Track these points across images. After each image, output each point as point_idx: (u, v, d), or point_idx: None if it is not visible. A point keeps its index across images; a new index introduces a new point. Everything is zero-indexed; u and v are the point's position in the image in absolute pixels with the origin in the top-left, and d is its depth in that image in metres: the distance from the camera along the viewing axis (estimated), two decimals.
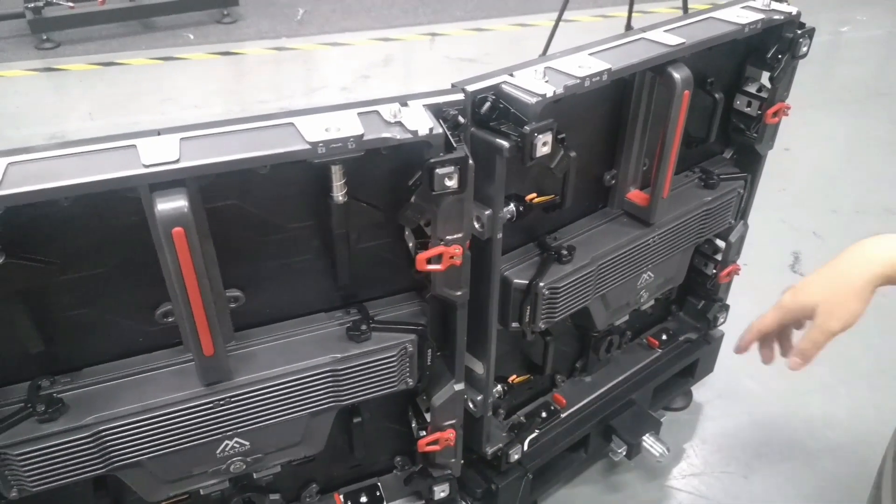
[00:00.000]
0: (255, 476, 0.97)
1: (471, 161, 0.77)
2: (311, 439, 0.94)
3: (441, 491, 1.10)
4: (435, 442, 1.02)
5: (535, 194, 0.94)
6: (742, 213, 1.27)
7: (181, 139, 0.71)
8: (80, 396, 0.80)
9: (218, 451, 0.88)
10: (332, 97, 2.90)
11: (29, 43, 3.39)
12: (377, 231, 0.87)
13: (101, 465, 0.81)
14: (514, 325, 1.03)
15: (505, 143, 0.81)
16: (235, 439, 0.88)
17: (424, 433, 1.03)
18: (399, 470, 1.16)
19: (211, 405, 0.83)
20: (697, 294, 1.37)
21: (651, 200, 1.05)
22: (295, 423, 0.90)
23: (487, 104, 0.82)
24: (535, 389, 1.28)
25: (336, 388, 0.90)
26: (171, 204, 0.68)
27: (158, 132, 0.72)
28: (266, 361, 0.86)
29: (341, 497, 1.12)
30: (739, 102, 1.18)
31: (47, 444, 0.77)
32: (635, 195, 1.09)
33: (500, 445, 1.15)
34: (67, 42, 3.43)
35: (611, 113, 1.04)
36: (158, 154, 0.68)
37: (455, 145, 0.77)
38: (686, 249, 1.19)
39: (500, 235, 0.90)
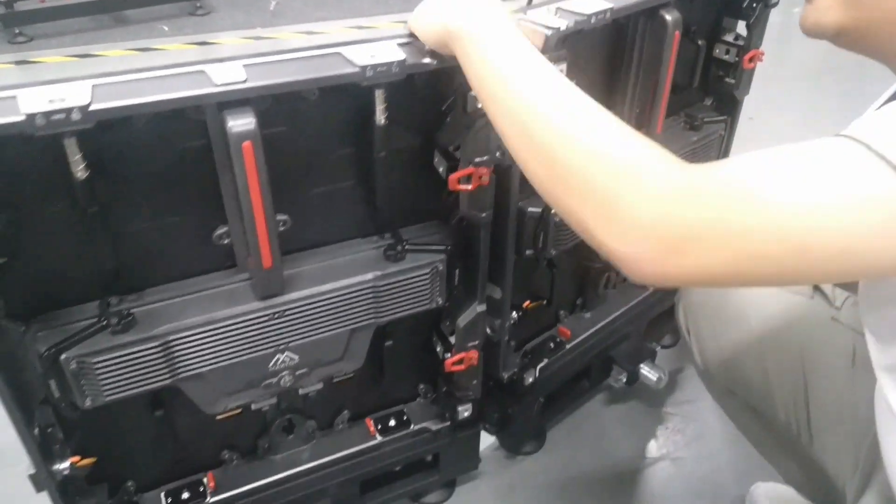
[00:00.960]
0: (299, 392, 1.04)
1: None
2: (352, 356, 1.02)
3: (465, 411, 1.19)
4: (460, 362, 1.11)
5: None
6: (724, 154, 1.39)
7: (244, 65, 0.78)
8: (147, 312, 0.87)
9: (270, 365, 0.96)
10: None
11: (1, 38, 3.38)
12: (411, 158, 0.96)
13: (167, 376, 0.89)
14: (528, 252, 1.13)
15: None
16: (286, 353, 0.96)
17: (449, 355, 1.12)
18: (422, 397, 1.25)
19: (266, 318, 0.91)
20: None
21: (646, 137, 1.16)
22: (338, 338, 0.99)
23: None
24: (541, 325, 1.37)
25: (376, 305, 0.98)
26: (241, 120, 0.76)
27: (221, 60, 0.79)
28: (313, 279, 0.94)
29: (372, 421, 1.20)
30: (718, 51, 1.30)
31: (121, 353, 0.84)
32: None
33: (515, 370, 1.25)
34: (41, 36, 3.42)
35: (607, 59, 1.14)
36: (227, 76, 0.75)
37: None
38: None
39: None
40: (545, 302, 1.29)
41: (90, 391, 0.85)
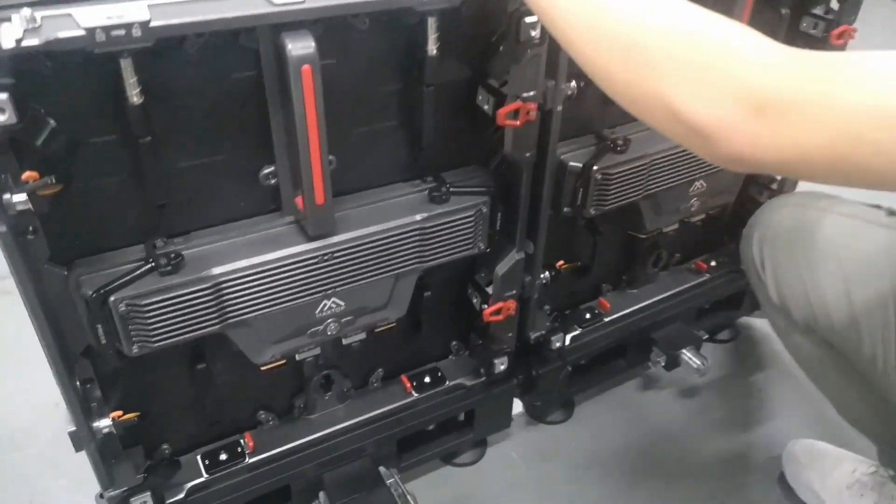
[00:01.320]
0: (342, 342, 1.02)
1: None
2: (396, 304, 1.00)
3: (501, 364, 1.18)
4: (498, 312, 1.10)
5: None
6: None
7: None
8: (195, 254, 0.84)
9: (317, 311, 0.93)
10: None
11: None
12: (455, 96, 0.94)
13: (217, 321, 0.85)
14: (566, 209, 1.11)
15: None
16: (333, 299, 0.93)
17: (486, 306, 1.10)
18: (454, 354, 1.24)
19: (316, 260, 0.88)
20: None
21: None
22: (384, 284, 0.97)
23: None
24: (582, 295, 1.36)
25: (421, 248, 0.96)
26: (301, 43, 0.73)
27: None
28: (361, 221, 0.92)
29: (407, 378, 1.18)
30: (805, 24, 1.22)
31: (172, 296, 0.81)
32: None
33: (543, 332, 1.24)
34: None
35: None
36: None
37: None
38: None
39: (559, 108, 0.98)
40: (582, 267, 1.26)
41: (139, 337, 0.82)
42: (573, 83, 1.00)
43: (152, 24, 0.66)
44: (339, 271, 0.91)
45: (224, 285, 0.84)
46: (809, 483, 1.26)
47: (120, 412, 0.89)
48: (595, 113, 1.11)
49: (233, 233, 0.88)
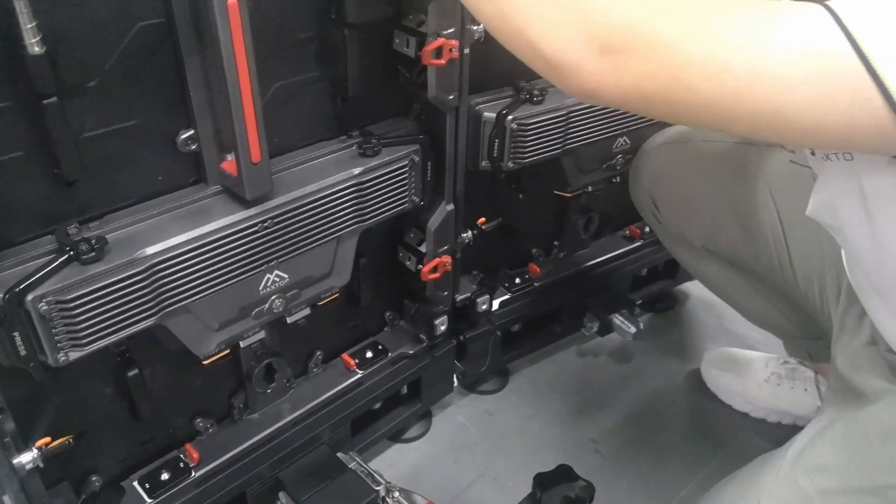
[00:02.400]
0: (287, 321, 0.94)
1: None
2: (339, 270, 0.94)
3: (441, 325, 1.15)
4: (435, 269, 1.07)
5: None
6: None
7: None
8: (118, 237, 0.73)
9: (261, 287, 0.85)
10: None
11: None
12: (374, 42, 0.90)
13: (155, 310, 0.75)
14: (484, 162, 1.09)
15: None
16: (276, 272, 0.85)
17: (421, 266, 1.07)
18: (390, 326, 1.19)
19: (256, 227, 0.80)
20: None
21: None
22: (325, 250, 0.90)
23: None
24: (513, 260, 1.34)
25: (360, 205, 0.91)
26: None
27: None
28: (295, 182, 0.84)
29: (349, 356, 1.11)
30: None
31: (101, 285, 0.69)
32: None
33: (469, 294, 1.22)
34: None
35: None
36: None
37: None
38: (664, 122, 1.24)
39: (467, 50, 0.96)
40: (509, 227, 1.24)
41: (66, 340, 0.69)
42: (481, 25, 0.99)
43: None
44: (281, 239, 0.83)
45: (159, 267, 0.73)
46: (729, 386, 1.35)
47: (48, 439, 0.75)
48: (511, 65, 1.09)
49: (154, 210, 0.77)
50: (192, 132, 0.77)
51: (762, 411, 1.32)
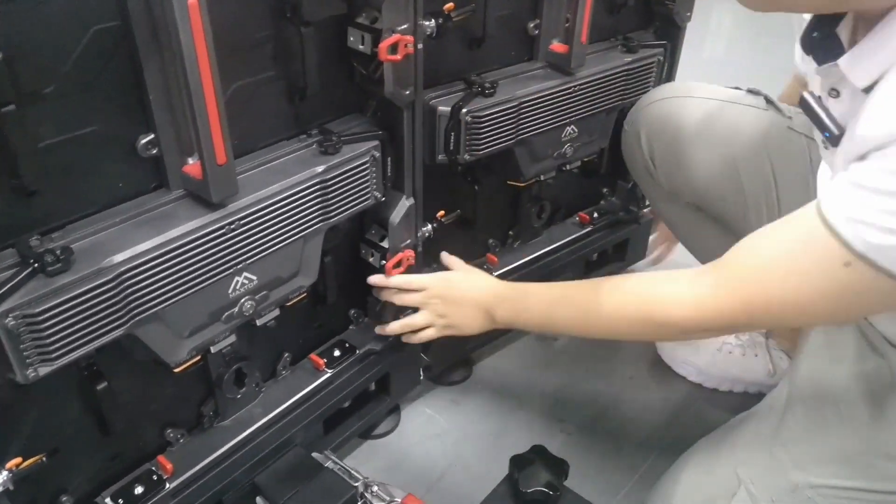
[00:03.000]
0: (257, 324, 0.93)
1: None
2: (307, 268, 0.94)
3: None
4: (399, 264, 1.08)
5: (452, 4, 1.00)
6: (665, 82, 1.37)
7: None
8: (83, 247, 0.71)
9: (230, 291, 0.84)
10: None
11: None
12: (329, 38, 0.90)
13: (125, 319, 0.73)
14: (441, 156, 1.10)
15: None
16: (245, 274, 0.85)
17: (385, 261, 1.08)
18: (355, 324, 1.19)
19: (223, 230, 0.79)
20: (627, 177, 1.46)
21: (571, 47, 1.14)
22: (293, 249, 0.90)
23: None
24: (470, 252, 1.33)
25: (324, 203, 0.91)
26: None
27: None
28: (259, 183, 0.84)
29: (317, 356, 1.11)
30: None
31: (70, 296, 0.67)
32: (557, 46, 1.18)
33: None
34: None
35: None
36: None
37: None
38: (609, 112, 1.30)
39: (420, 46, 0.97)
40: (466, 219, 1.25)
41: (35, 356, 0.67)
42: (432, 21, 1.00)
43: None
44: (248, 240, 0.83)
45: (128, 275, 0.72)
46: (683, 358, 1.41)
47: (19, 459, 0.73)
48: (461, 59, 1.12)
49: (117, 218, 0.75)
50: (152, 136, 0.76)
51: (715, 380, 1.38)
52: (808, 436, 0.85)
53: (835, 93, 0.76)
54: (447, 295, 1.07)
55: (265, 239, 0.85)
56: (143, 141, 0.76)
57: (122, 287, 0.72)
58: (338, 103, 0.98)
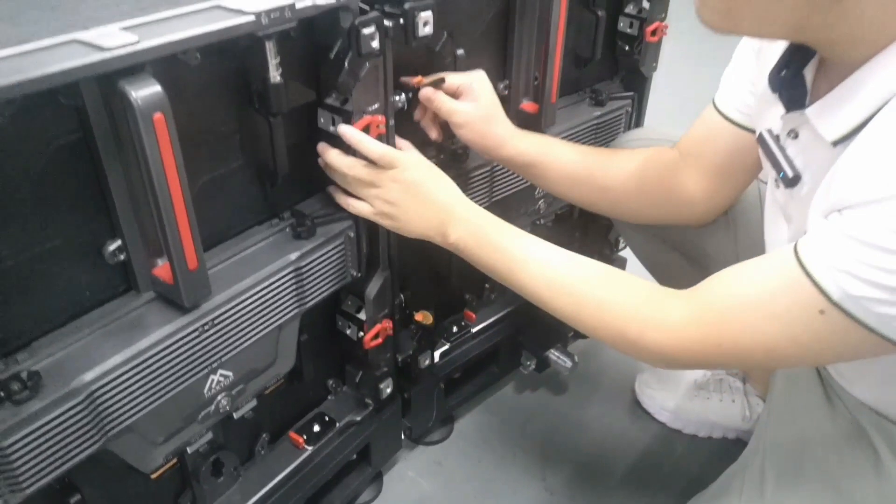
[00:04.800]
0: (234, 417, 0.90)
1: (387, 22, 0.84)
2: (284, 356, 0.92)
3: (386, 387, 1.14)
4: (377, 336, 1.06)
5: (421, 77, 0.99)
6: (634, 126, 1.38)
7: (121, 28, 0.65)
8: (50, 367, 0.68)
9: (206, 390, 0.81)
10: None
11: None
12: (300, 122, 0.88)
13: (97, 437, 0.70)
14: None
15: (388, 22, 0.85)
16: (220, 372, 0.82)
17: (363, 333, 1.06)
18: (333, 393, 1.16)
19: (197, 332, 0.77)
20: (600, 220, 1.47)
21: (541, 107, 1.14)
22: (268, 340, 0.88)
23: None
24: (448, 308, 1.33)
25: (299, 290, 0.89)
26: (147, 89, 0.63)
27: (86, 27, 0.65)
28: (232, 277, 0.82)
29: (296, 434, 1.08)
30: (622, 24, 1.29)
31: (39, 424, 0.65)
32: (528, 105, 1.17)
33: (410, 352, 1.20)
34: None
35: (499, 22, 1.11)
36: (114, 39, 0.62)
37: (368, 9, 0.83)
38: None
39: (392, 122, 0.96)
40: (443, 277, 1.24)
41: (4, 486, 0.64)
42: (402, 95, 0.99)
43: None
44: (223, 339, 0.80)
45: (99, 392, 0.69)
46: (662, 403, 1.42)
47: None
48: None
49: (86, 330, 0.72)
50: (119, 242, 0.74)
51: (693, 426, 1.39)
52: (786, 495, 0.85)
53: (794, 134, 0.76)
54: (413, 184, 0.90)
55: (240, 335, 0.82)
56: (111, 248, 0.73)
57: (93, 405, 0.69)
58: (310, 182, 0.96)
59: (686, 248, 1.20)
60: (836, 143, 0.68)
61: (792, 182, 0.76)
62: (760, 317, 0.70)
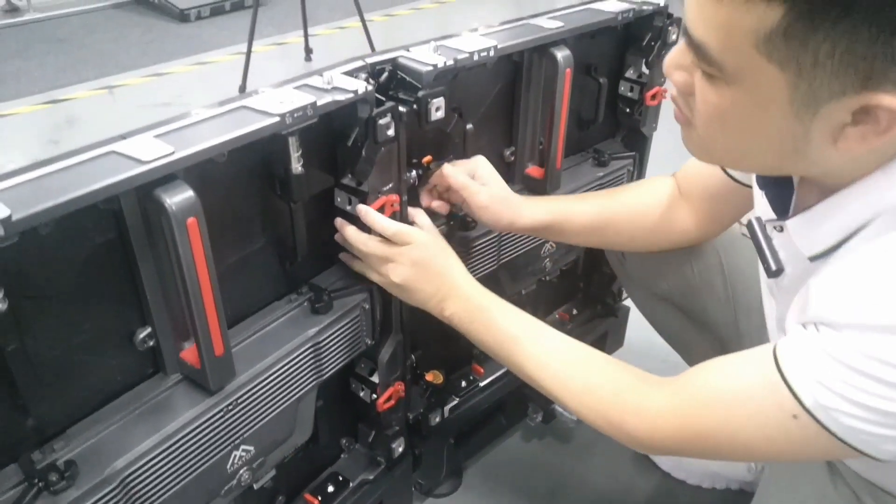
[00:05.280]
0: (254, 487, 0.93)
1: (401, 108, 0.88)
2: (302, 426, 0.95)
3: (398, 447, 1.17)
4: (389, 398, 1.09)
5: (430, 157, 1.03)
6: None
7: (154, 136, 0.69)
8: (84, 454, 0.71)
9: (228, 466, 0.85)
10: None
11: None
12: (318, 202, 0.92)
13: None
14: None
15: (403, 108, 0.90)
16: (242, 447, 0.86)
17: (376, 396, 1.09)
18: (347, 452, 1.19)
19: (222, 412, 0.80)
20: (603, 270, 1.49)
21: (546, 172, 1.19)
22: (287, 412, 0.91)
23: (385, 74, 0.92)
24: (455, 363, 1.34)
25: (317, 363, 0.92)
26: (181, 196, 0.67)
27: (123, 136, 0.69)
28: (254, 355, 0.85)
29: (310, 495, 1.11)
30: (623, 88, 1.33)
31: None
32: (533, 170, 1.21)
33: (421, 410, 1.24)
34: None
35: (505, 93, 1.15)
36: (151, 151, 0.66)
37: (384, 99, 0.87)
38: None
39: (405, 198, 0.99)
40: (452, 337, 1.24)
41: None
42: (413, 172, 1.02)
43: (15, 217, 0.55)
44: (245, 416, 0.84)
45: (132, 477, 0.72)
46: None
47: None
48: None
49: (117, 415, 0.76)
50: (149, 329, 0.77)
51: (697, 477, 1.41)
52: None
53: (780, 227, 0.78)
54: (423, 260, 0.94)
55: (262, 411, 0.86)
56: (141, 335, 0.77)
57: (125, 490, 0.72)
58: (327, 256, 0.99)
59: (687, 307, 1.23)
60: (812, 259, 0.72)
61: (775, 274, 0.79)
62: (736, 414, 0.73)
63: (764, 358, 0.71)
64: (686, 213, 1.12)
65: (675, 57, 0.68)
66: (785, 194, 0.77)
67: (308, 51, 3.44)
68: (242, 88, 2.90)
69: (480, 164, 1.06)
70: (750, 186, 0.96)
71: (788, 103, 0.61)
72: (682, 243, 1.16)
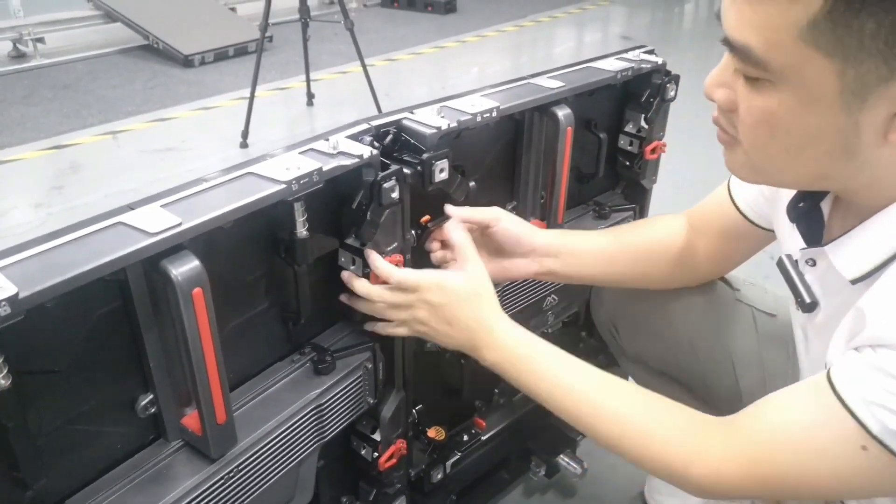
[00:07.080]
0: None
1: (406, 170, 0.89)
2: (303, 488, 0.93)
3: None
4: (392, 457, 1.08)
5: (428, 217, 1.03)
6: None
7: (161, 206, 0.70)
8: None
9: None
10: (26, 217, 2.58)
11: None
12: (321, 264, 0.92)
13: None
14: (429, 344, 1.10)
15: (407, 170, 0.91)
16: None
17: (377, 454, 1.08)
18: None
19: (223, 479, 0.79)
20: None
21: (548, 226, 1.19)
22: (289, 476, 0.90)
23: (390, 136, 0.94)
24: (455, 419, 1.33)
25: (320, 425, 0.92)
26: (187, 266, 0.67)
27: (130, 206, 0.69)
28: (256, 420, 0.84)
29: None
30: (623, 142, 1.35)
31: None
32: (535, 224, 1.20)
33: (422, 467, 1.22)
34: None
35: (507, 150, 1.17)
36: (157, 223, 0.66)
37: (389, 162, 0.88)
38: None
39: (408, 256, 0.99)
40: (454, 391, 1.26)
41: None
42: (413, 232, 1.03)
43: (22, 295, 0.55)
44: (246, 483, 0.83)
45: None
46: None
47: None
48: None
49: (117, 483, 0.75)
50: (151, 396, 0.77)
51: None
52: None
53: (811, 262, 0.78)
54: (439, 306, 0.91)
55: (263, 477, 0.85)
56: (143, 402, 0.76)
57: None
58: (330, 315, 0.99)
59: (686, 380, 1.22)
60: (854, 282, 0.70)
61: (810, 307, 0.78)
62: (803, 452, 0.70)
63: (819, 387, 0.69)
64: (698, 250, 1.11)
65: (716, 75, 0.69)
66: (816, 226, 0.77)
67: (310, 96, 3.49)
68: (245, 134, 2.94)
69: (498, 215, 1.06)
70: (763, 227, 0.97)
71: (838, 94, 0.60)
72: (694, 280, 1.16)
